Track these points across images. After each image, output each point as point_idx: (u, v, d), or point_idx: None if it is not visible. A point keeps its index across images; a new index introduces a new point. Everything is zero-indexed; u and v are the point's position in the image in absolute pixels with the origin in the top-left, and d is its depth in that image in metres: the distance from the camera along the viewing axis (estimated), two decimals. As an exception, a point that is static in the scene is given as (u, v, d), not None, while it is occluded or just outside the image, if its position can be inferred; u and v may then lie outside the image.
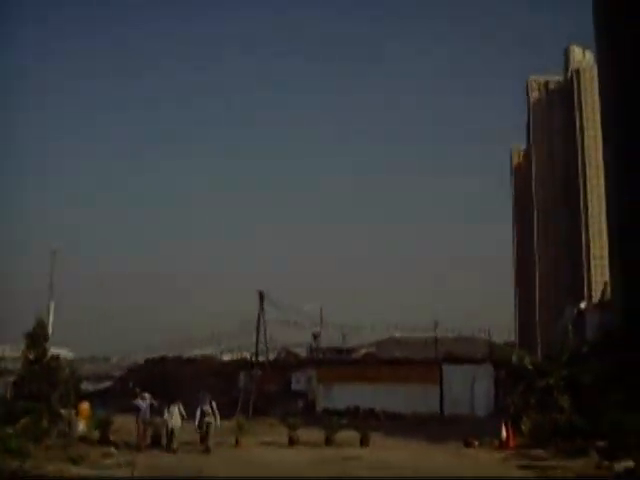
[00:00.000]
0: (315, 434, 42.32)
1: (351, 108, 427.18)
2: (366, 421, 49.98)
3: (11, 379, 51.63)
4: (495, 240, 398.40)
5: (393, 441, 45.13)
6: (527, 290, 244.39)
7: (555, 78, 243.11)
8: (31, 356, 47.36)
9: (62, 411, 43.88)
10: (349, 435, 42.47)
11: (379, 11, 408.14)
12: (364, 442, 41.89)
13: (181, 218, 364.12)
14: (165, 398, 41.60)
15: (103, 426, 42.48)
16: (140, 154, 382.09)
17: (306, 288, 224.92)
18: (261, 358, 76.85)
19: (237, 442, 41.45)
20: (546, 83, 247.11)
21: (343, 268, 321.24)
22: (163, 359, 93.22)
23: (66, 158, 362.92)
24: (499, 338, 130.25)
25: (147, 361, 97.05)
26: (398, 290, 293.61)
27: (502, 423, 41.75)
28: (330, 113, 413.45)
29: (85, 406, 47.71)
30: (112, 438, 41.56)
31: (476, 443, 41.92)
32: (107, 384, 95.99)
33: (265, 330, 74.57)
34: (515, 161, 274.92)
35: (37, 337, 47.72)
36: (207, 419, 38.71)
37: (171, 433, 38.86)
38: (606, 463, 32.61)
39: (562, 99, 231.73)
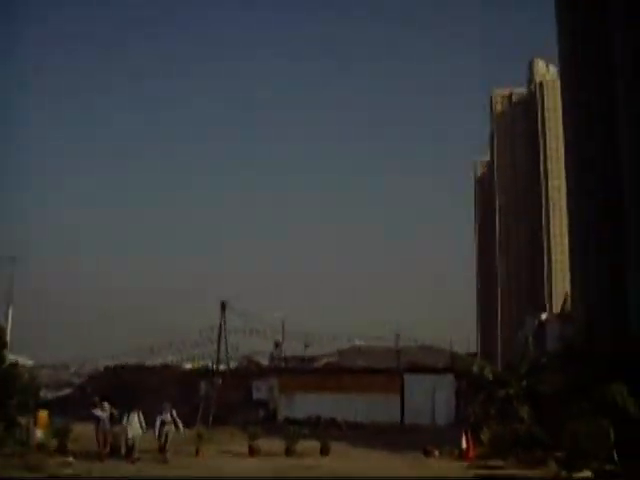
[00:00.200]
0: (276, 443, 42.12)
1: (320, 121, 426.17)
2: (327, 430, 49.98)
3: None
4: (458, 250, 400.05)
5: (354, 451, 45.07)
6: (489, 300, 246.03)
7: (519, 91, 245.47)
8: (-12, 363, 46.56)
9: (20, 419, 43.23)
10: (310, 445, 42.33)
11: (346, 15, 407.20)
12: (325, 452, 41.78)
13: (148, 225, 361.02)
14: (125, 407, 41.13)
15: (61, 435, 41.87)
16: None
17: (269, 297, 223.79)
18: (222, 367, 76.48)
19: (197, 452, 41.09)
20: (510, 96, 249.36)
21: (306, 278, 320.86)
22: (123, 367, 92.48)
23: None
24: (461, 348, 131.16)
25: (107, 369, 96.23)
26: (361, 300, 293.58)
27: (462, 433, 41.87)
28: (296, 124, 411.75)
29: (44, 414, 47.10)
30: (70, 447, 41.00)
31: (436, 453, 42.01)
32: (66, 392, 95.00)
33: (226, 338, 74.28)
34: (478, 172, 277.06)
35: (-6, 343, 46.96)
36: (167, 428, 38.38)
37: (131, 443, 38.44)
38: (565, 473, 32.86)
39: (525, 111, 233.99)
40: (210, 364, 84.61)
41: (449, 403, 70.28)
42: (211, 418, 62.64)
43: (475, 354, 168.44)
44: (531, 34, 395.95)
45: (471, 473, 34.42)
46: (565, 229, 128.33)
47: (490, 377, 46.35)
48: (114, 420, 40.77)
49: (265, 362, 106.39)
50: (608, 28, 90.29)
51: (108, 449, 39.70)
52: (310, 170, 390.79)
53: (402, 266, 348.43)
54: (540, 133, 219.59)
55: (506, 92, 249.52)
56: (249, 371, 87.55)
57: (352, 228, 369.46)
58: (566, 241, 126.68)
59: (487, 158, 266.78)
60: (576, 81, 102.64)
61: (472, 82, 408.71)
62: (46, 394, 75.82)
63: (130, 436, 38.34)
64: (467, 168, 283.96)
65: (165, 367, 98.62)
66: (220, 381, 73.58)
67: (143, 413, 39.52)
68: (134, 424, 38.56)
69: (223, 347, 74.27)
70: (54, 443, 41.71)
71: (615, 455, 33.99)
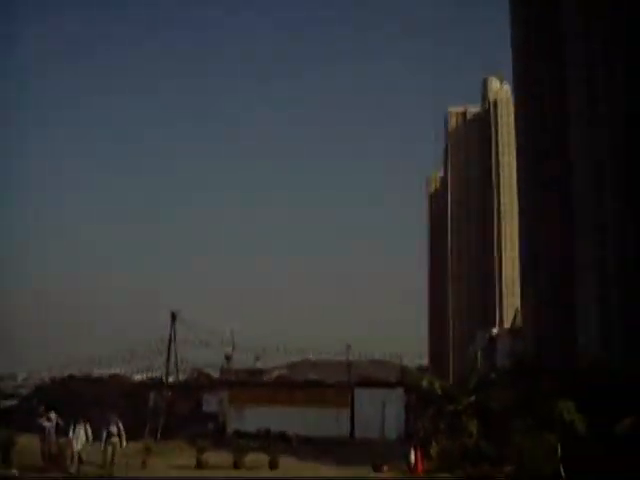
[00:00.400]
0: (225, 457, 41.79)
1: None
2: (277, 444, 49.66)
3: None
4: (410, 265, 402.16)
5: (303, 464, 44.85)
6: (441, 315, 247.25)
7: (473, 109, 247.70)
8: None
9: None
10: (259, 458, 42.04)
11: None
12: (273, 465, 41.48)
13: (101, 241, 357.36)
14: (71, 418, 40.44)
15: (6, 446, 41.01)
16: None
17: (221, 310, 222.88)
18: (172, 379, 75.82)
19: (144, 464, 40.56)
20: (464, 113, 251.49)
21: (259, 292, 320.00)
22: (71, 377, 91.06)
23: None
24: (412, 362, 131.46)
25: (53, 380, 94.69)
26: (313, 314, 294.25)
27: (411, 447, 41.87)
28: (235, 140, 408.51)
29: (-14, 426, 46.16)
30: (15, 459, 40.15)
31: (385, 467, 41.94)
32: (12, 402, 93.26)
33: (176, 350, 73.69)
34: (432, 188, 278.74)
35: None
36: (113, 440, 37.79)
37: (77, 455, 37.78)
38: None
39: (479, 128, 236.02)
40: (160, 376, 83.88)
41: (399, 417, 70.40)
42: (159, 430, 61.97)
43: (426, 368, 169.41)
44: (486, 53, 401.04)
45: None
46: (517, 244, 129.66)
47: (439, 392, 46.44)
48: (60, 431, 40.05)
49: (216, 375, 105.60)
50: (561, 45, 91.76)
51: (53, 461, 38.96)
52: (268, 189, 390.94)
53: (354, 281, 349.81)
54: (493, 150, 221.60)
55: (460, 109, 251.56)
56: (199, 383, 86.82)
57: (304, 245, 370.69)
58: (517, 257, 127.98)
59: (441, 174, 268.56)
60: (529, 98, 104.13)
61: (427, 100, 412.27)
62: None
63: (76, 448, 37.69)
64: (421, 183, 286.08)
65: (114, 378, 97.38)
66: (169, 393, 72.92)
67: (90, 425, 38.88)
68: (80, 436, 37.91)
69: (173, 359, 73.68)
70: (-2, 455, 40.84)
71: (562, 471, 34.23)
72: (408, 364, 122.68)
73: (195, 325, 77.83)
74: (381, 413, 70.81)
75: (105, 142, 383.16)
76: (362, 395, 73.59)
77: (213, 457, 42.22)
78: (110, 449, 37.62)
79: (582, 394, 38.00)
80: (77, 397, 72.19)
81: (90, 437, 38.15)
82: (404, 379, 77.38)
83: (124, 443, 38.23)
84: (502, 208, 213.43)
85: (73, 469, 37.14)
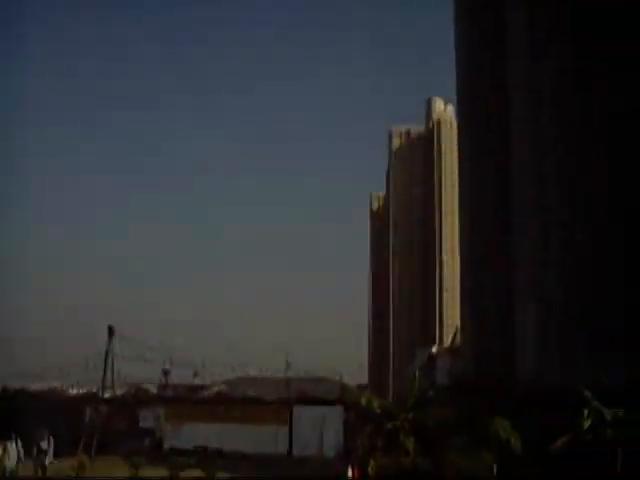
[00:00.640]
0: (160, 473, 41.30)
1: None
2: (213, 461, 49.24)
3: None
4: (351, 282, 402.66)
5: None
6: (382, 332, 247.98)
7: (417, 128, 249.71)
8: None
9: None
10: (195, 475, 41.64)
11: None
12: (210, 482, 41.17)
13: (34, 255, 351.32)
14: (2, 433, 39.67)
15: None
16: None
17: (159, 326, 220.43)
18: (109, 394, 74.79)
19: (77, 481, 39.91)
20: (408, 132, 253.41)
21: (197, 307, 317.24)
22: (5, 390, 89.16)
23: None
24: (353, 380, 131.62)
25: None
26: (253, 330, 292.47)
27: (349, 464, 41.81)
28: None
29: None
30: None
31: (322, 484, 41.82)
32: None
33: (113, 365, 72.70)
34: (374, 207, 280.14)
35: None
36: (43, 456, 37.11)
37: (8, 472, 37.00)
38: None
39: (423, 148, 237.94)
40: (96, 390, 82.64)
41: (337, 435, 70.20)
42: (95, 446, 60.99)
43: (366, 386, 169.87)
44: (431, 73, 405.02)
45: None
46: (457, 263, 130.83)
47: (378, 410, 46.48)
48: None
49: (154, 390, 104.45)
50: (504, 66, 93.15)
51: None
52: (203, 205, 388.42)
53: (295, 297, 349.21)
54: (436, 169, 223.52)
55: (404, 129, 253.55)
56: (136, 399, 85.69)
57: (244, 260, 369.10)
58: (458, 276, 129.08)
59: (384, 192, 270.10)
60: (472, 121, 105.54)
61: (372, 118, 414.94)
62: None
63: (8, 466, 36.91)
64: (363, 201, 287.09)
65: (50, 392, 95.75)
66: (106, 408, 71.91)
67: (23, 440, 38.16)
68: (12, 452, 37.16)
69: (110, 373, 72.70)
70: None
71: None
72: (348, 382, 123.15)
73: (133, 340, 76.90)
74: (320, 430, 70.66)
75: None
76: (301, 412, 73.26)
77: (148, 473, 41.71)
78: (41, 465, 36.99)
79: (519, 412, 38.37)
80: (10, 412, 70.77)
81: (22, 454, 37.47)
82: (343, 397, 77.39)
83: (51, 459, 37.58)
84: (444, 227, 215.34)
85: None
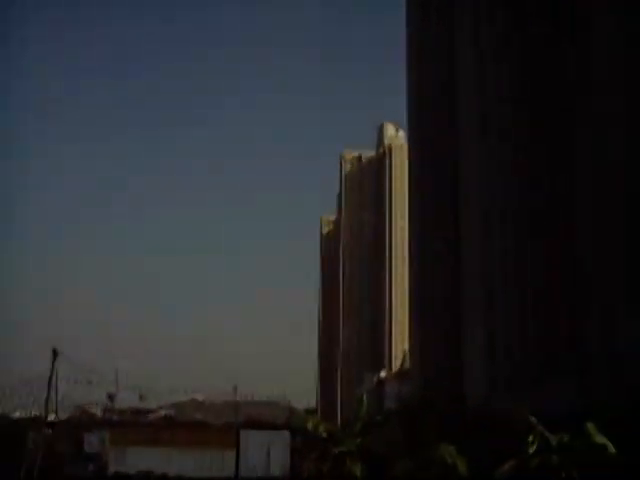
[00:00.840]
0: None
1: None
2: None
3: None
4: (300, 308, 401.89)
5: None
6: (331, 357, 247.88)
7: (368, 153, 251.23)
8: None
9: None
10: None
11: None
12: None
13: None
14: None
15: None
16: None
17: (105, 349, 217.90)
18: (53, 417, 73.50)
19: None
20: (359, 157, 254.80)
21: (145, 330, 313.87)
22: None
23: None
24: (301, 404, 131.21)
25: None
26: (202, 355, 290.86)
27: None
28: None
29: None
30: None
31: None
32: None
33: (57, 387, 71.50)
34: (325, 230, 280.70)
35: None
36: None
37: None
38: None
39: (374, 173, 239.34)
40: (40, 414, 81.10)
41: (284, 459, 69.82)
42: (37, 471, 59.85)
43: (315, 410, 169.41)
44: (382, 99, 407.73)
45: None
46: (407, 287, 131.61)
47: (324, 434, 46.46)
48: None
49: (100, 414, 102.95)
50: (455, 92, 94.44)
51: None
52: (160, 236, 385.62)
53: (244, 324, 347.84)
54: (387, 194, 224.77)
55: (355, 154, 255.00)
56: (81, 422, 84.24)
57: (194, 285, 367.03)
58: (408, 300, 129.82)
59: (335, 216, 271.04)
60: (424, 144, 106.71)
61: (323, 144, 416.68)
62: None
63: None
64: (314, 226, 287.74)
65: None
66: (50, 432, 70.63)
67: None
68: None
69: (54, 396, 71.49)
70: None
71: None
72: (297, 406, 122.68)
73: (79, 362, 75.74)
74: (267, 455, 70.21)
75: None
76: (248, 436, 72.77)
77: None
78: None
79: (467, 437, 38.53)
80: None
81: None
82: (291, 421, 77.13)
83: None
84: (394, 252, 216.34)
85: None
